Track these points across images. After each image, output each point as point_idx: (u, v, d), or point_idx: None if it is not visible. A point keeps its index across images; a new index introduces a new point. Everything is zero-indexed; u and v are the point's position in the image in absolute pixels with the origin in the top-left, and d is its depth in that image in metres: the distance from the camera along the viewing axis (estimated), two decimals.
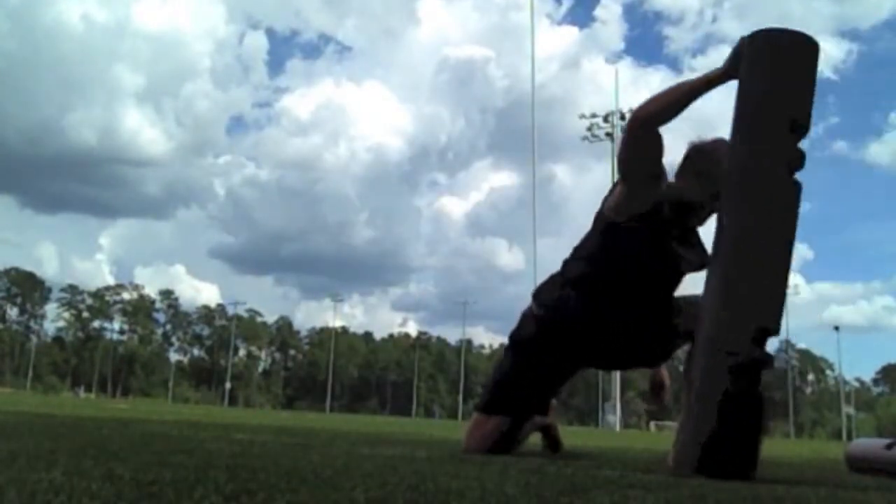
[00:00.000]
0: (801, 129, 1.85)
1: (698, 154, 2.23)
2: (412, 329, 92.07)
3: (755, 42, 1.93)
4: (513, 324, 2.54)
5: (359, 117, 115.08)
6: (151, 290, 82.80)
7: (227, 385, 65.36)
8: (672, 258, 2.26)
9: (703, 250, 2.33)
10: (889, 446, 2.34)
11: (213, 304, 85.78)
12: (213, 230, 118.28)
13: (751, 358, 1.78)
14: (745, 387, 1.78)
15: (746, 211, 1.88)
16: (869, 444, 2.54)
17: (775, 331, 1.82)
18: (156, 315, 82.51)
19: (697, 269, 2.28)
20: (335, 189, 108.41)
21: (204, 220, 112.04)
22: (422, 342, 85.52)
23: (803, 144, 1.88)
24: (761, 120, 1.89)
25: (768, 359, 1.82)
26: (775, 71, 1.88)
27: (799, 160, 1.85)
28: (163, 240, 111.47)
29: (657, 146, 2.12)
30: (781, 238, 1.86)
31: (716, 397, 1.80)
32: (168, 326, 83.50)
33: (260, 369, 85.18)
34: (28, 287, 77.44)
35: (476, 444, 2.34)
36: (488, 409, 2.41)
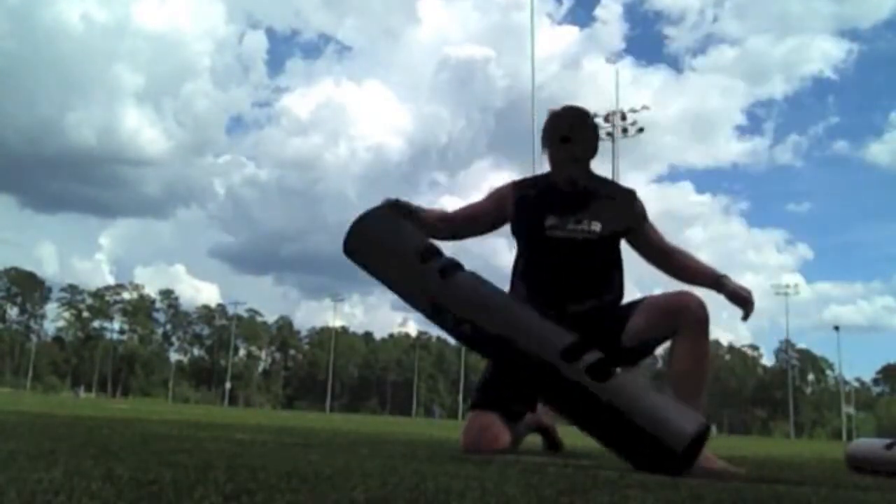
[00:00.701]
0: (429, 253, 2.21)
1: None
2: (412, 329, 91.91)
3: (357, 234, 2.38)
4: None
5: (359, 117, 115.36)
6: (151, 290, 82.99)
7: (227, 385, 65.36)
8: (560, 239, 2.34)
9: (607, 214, 2.35)
10: (889, 446, 2.34)
11: (213, 304, 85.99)
12: (212, 230, 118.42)
13: (599, 359, 1.92)
14: (586, 387, 1.89)
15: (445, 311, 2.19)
16: (869, 444, 2.53)
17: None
18: (156, 315, 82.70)
19: (607, 236, 2.34)
20: (335, 189, 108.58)
21: (204, 219, 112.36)
22: (422, 342, 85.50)
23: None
24: (402, 273, 2.26)
25: (630, 355, 2.09)
26: (380, 240, 2.34)
27: (446, 270, 2.17)
28: (163, 240, 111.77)
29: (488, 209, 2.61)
30: (493, 301, 2.15)
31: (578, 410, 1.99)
32: (168, 326, 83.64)
33: (260, 369, 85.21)
34: (28, 287, 77.49)
35: (472, 443, 2.34)
36: (479, 405, 2.41)
